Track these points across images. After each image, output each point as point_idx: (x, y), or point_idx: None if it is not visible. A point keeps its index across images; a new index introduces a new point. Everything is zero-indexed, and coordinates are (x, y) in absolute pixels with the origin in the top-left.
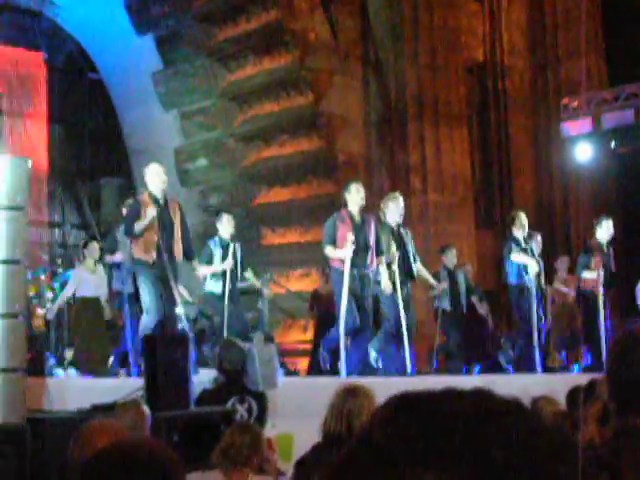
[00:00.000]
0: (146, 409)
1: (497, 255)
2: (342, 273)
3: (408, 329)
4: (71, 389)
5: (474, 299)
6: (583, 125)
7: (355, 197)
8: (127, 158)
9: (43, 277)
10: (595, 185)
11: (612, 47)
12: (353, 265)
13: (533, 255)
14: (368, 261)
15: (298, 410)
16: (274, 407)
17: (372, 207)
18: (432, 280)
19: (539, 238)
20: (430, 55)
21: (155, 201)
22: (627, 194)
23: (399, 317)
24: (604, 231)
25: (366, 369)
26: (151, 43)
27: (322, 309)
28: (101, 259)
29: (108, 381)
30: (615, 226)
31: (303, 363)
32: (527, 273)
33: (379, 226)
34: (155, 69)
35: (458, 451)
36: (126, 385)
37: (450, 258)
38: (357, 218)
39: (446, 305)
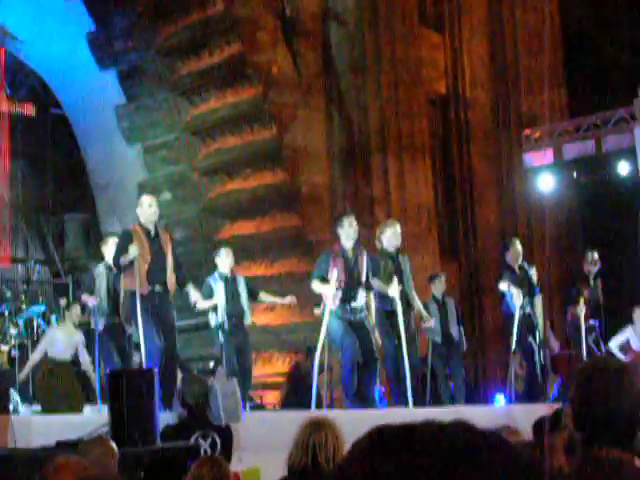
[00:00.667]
0: (114, 445)
1: (461, 286)
2: (333, 311)
3: (411, 366)
4: (35, 426)
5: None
6: (545, 156)
7: (348, 231)
8: (91, 193)
9: (6, 314)
10: (558, 214)
11: (573, 79)
12: (346, 300)
13: (529, 283)
14: (359, 296)
15: (265, 444)
16: (240, 441)
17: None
18: (424, 312)
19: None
20: (392, 88)
21: (147, 233)
22: (590, 223)
23: (395, 354)
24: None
25: (367, 403)
26: (114, 78)
27: (297, 382)
28: (78, 300)
29: (73, 417)
30: (579, 256)
31: (269, 396)
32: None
33: (369, 260)
34: (118, 103)
35: None
36: (91, 421)
37: (439, 287)
38: (350, 253)
39: (437, 338)
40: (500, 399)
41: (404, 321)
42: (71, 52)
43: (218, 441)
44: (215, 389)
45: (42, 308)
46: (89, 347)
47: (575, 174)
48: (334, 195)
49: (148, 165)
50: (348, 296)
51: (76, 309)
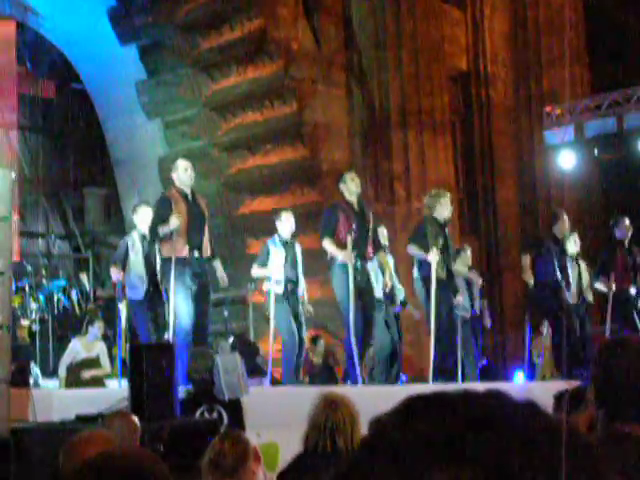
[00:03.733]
0: (136, 419)
1: (481, 264)
2: (345, 267)
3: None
4: (55, 400)
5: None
6: (566, 133)
7: (351, 186)
8: (111, 168)
9: (27, 288)
10: (579, 193)
11: (595, 55)
12: (357, 257)
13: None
14: (368, 252)
15: (284, 419)
16: (257, 416)
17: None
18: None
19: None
20: (413, 64)
21: (184, 197)
22: (611, 202)
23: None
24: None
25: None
26: (134, 53)
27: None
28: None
29: (93, 391)
30: (599, 233)
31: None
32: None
33: (375, 218)
34: (138, 79)
35: (474, 452)
36: (111, 395)
37: (465, 261)
38: (356, 207)
39: (466, 313)
40: (519, 376)
41: (447, 293)
42: (92, 27)
43: (225, 415)
44: (217, 364)
45: (63, 283)
46: (110, 322)
47: (596, 152)
48: (354, 171)
49: (168, 140)
50: (357, 252)
51: (99, 324)
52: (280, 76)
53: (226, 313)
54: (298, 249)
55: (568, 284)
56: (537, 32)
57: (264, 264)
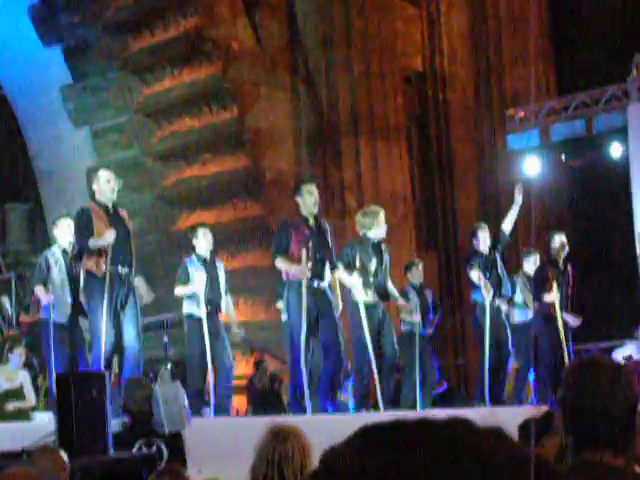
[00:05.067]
0: (64, 455)
1: (441, 279)
2: (299, 287)
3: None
4: None
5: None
6: (531, 137)
7: (308, 200)
8: (35, 181)
9: None
10: (546, 201)
11: (561, 53)
12: (312, 277)
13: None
14: (325, 274)
15: (227, 453)
16: (199, 450)
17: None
18: (404, 303)
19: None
20: (364, 64)
21: (105, 210)
22: (580, 210)
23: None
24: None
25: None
26: (59, 55)
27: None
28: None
29: (16, 425)
30: (568, 244)
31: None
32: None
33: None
34: (64, 83)
35: None
36: (37, 429)
37: (416, 275)
38: (312, 223)
39: (415, 329)
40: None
41: (378, 313)
42: (12, 27)
43: (165, 449)
44: (157, 394)
45: None
46: (35, 348)
47: (564, 157)
48: (299, 178)
49: (97, 150)
50: (314, 273)
51: (19, 351)
52: (219, 78)
53: (166, 338)
54: (220, 267)
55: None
56: (498, 29)
57: (185, 284)
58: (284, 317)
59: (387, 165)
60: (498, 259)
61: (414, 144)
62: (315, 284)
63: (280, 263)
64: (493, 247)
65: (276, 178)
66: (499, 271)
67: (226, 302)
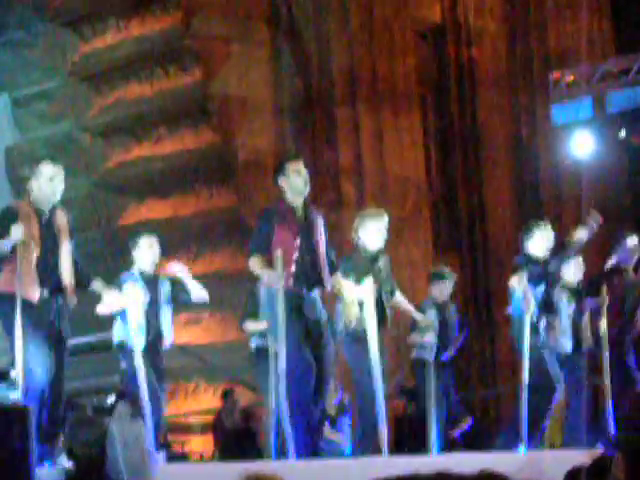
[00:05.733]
0: None
1: (465, 289)
2: (274, 295)
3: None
4: None
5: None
6: (581, 108)
7: (295, 181)
8: None
9: None
10: (600, 188)
11: (619, 5)
12: (295, 283)
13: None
14: (324, 277)
15: None
16: None
17: None
18: (417, 314)
19: None
20: (367, 16)
21: (39, 215)
22: None
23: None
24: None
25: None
26: None
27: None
28: None
29: None
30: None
31: (194, 442)
32: None
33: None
34: None
35: None
36: None
37: (442, 291)
38: (301, 213)
39: (428, 355)
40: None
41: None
42: None
43: None
44: (113, 434)
45: None
46: None
47: (623, 132)
48: (301, 159)
49: (19, 123)
50: (300, 277)
51: None
52: (178, 33)
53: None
54: (164, 284)
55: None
56: None
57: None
58: (253, 342)
59: (395, 143)
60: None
61: (430, 116)
62: (304, 293)
63: (253, 265)
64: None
65: (251, 159)
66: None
67: (170, 330)
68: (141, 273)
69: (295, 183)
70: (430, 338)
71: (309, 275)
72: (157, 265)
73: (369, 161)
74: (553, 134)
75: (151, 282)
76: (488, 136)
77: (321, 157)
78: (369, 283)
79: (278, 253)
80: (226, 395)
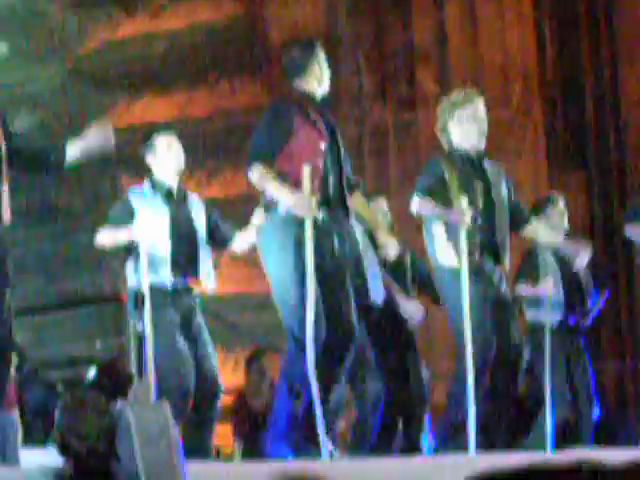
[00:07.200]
0: None
1: (592, 218)
2: (294, 222)
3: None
4: None
5: None
6: None
7: (313, 67)
8: None
9: None
10: None
11: None
12: (322, 203)
13: None
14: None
15: None
16: None
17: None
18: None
19: None
20: None
21: None
22: None
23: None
24: None
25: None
26: None
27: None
28: None
29: None
30: None
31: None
32: None
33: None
34: None
35: None
36: None
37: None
38: (324, 109)
39: (553, 318)
40: None
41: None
42: None
43: None
44: (128, 424)
45: None
46: None
47: None
48: (335, 46)
49: None
50: (326, 197)
51: None
52: None
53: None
54: (195, 203)
55: None
56: None
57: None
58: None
59: (493, 17)
60: None
61: None
62: (325, 219)
63: (259, 178)
64: None
65: (288, 39)
66: None
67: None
68: (156, 184)
69: (313, 69)
70: (547, 289)
71: (335, 192)
72: (182, 177)
73: (456, 43)
74: None
75: (175, 199)
76: (627, 13)
77: (389, 38)
78: (464, 204)
79: (306, 171)
80: (251, 361)
